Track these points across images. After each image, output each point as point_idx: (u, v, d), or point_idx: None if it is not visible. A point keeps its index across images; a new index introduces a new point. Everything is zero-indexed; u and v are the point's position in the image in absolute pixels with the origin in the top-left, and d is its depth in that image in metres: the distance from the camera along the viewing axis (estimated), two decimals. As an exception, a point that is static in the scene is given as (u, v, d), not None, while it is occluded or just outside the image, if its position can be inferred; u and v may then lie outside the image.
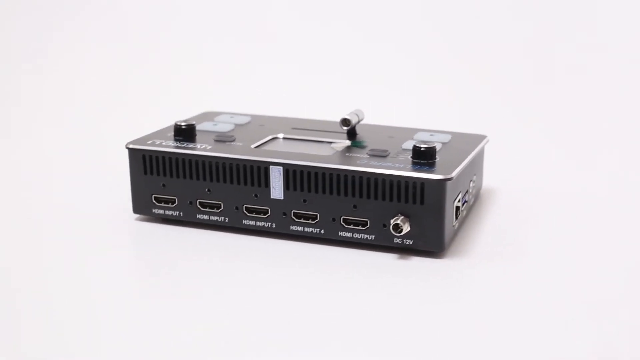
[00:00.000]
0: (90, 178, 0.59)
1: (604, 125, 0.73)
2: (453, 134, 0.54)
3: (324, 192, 0.46)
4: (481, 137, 0.53)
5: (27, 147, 0.69)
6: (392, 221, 0.45)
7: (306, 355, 0.36)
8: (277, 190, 0.47)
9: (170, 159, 0.49)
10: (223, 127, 0.54)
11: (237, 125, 0.55)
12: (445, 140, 0.52)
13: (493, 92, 0.79)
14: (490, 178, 0.58)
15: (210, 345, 0.36)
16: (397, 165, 0.46)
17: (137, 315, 0.40)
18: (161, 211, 0.50)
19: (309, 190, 0.47)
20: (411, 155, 0.47)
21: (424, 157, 0.47)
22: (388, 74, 0.82)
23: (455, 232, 0.48)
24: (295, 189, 0.47)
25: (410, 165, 0.46)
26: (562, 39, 0.82)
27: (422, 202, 0.45)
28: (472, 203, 0.52)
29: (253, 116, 0.58)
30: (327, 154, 0.48)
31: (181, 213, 0.49)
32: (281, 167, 0.47)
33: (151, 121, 0.60)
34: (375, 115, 0.61)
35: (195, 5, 0.91)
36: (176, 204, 0.49)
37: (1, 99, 0.84)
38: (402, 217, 0.45)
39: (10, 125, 0.77)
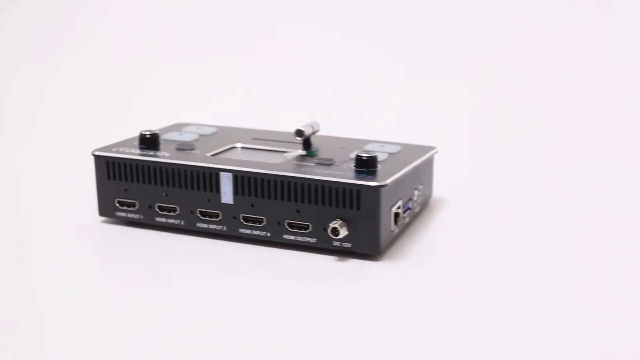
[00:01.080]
0: (69, 182, 0.63)
1: (562, 139, 0.75)
2: (404, 145, 0.56)
3: (269, 197, 0.49)
4: (429, 148, 0.56)
5: (3, 151, 0.73)
6: (330, 225, 0.48)
7: (245, 354, 0.39)
8: (227, 195, 0.50)
9: (130, 165, 0.52)
10: (187, 136, 0.57)
11: (201, 135, 0.58)
12: (394, 151, 0.54)
13: (457, 107, 0.82)
14: (444, 188, 0.60)
15: (155, 344, 0.40)
16: (338, 172, 0.49)
17: (98, 310, 0.43)
18: (124, 214, 0.53)
19: (256, 195, 0.50)
20: (354, 164, 0.50)
21: (365, 165, 0.50)
22: (358, 90, 0.86)
23: (395, 237, 0.51)
24: (243, 194, 0.50)
25: (351, 173, 0.49)
26: (523, 52, 0.84)
27: (358, 208, 0.48)
28: (417, 211, 0.55)
29: (220, 127, 0.61)
30: (276, 162, 0.51)
31: (141, 216, 0.53)
32: (230, 174, 0.50)
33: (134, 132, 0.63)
34: (341, 126, 0.64)
35: (191, 21, 0.95)
36: (137, 207, 0.53)
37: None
38: (340, 221, 0.48)
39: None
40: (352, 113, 0.83)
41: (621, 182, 0.64)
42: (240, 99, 0.88)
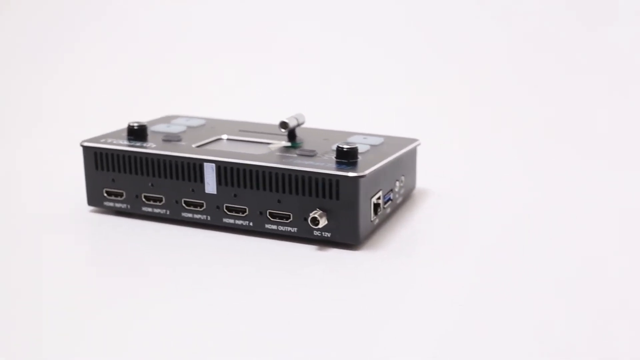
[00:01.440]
0: (63, 175, 0.64)
1: (550, 137, 0.76)
2: (387, 137, 0.57)
3: (251, 187, 0.50)
4: (411, 141, 0.57)
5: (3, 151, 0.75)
6: (310, 215, 0.49)
7: (227, 342, 0.40)
8: (210, 185, 0.51)
9: (117, 155, 0.53)
10: (175, 128, 0.58)
11: (189, 127, 0.59)
12: (377, 143, 0.55)
13: (453, 103, 0.83)
14: (429, 180, 0.61)
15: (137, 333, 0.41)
16: (319, 163, 0.50)
17: (91, 303, 0.43)
18: (111, 204, 0.54)
19: (239, 186, 0.51)
20: (335, 155, 0.51)
21: (345, 157, 0.51)
22: (356, 89, 0.87)
23: (376, 227, 0.52)
24: (226, 184, 0.51)
25: (332, 164, 0.50)
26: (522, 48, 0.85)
27: (337, 198, 0.49)
28: (399, 202, 0.56)
29: (208, 119, 0.62)
30: (259, 153, 0.52)
31: (128, 206, 0.54)
32: (214, 164, 0.51)
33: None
34: (338, 124, 0.65)
35: (192, 20, 0.96)
36: (124, 197, 0.54)
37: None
38: (320, 211, 0.49)
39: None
40: (350, 111, 0.83)
41: (619, 181, 0.64)
42: (238, 98, 0.89)
